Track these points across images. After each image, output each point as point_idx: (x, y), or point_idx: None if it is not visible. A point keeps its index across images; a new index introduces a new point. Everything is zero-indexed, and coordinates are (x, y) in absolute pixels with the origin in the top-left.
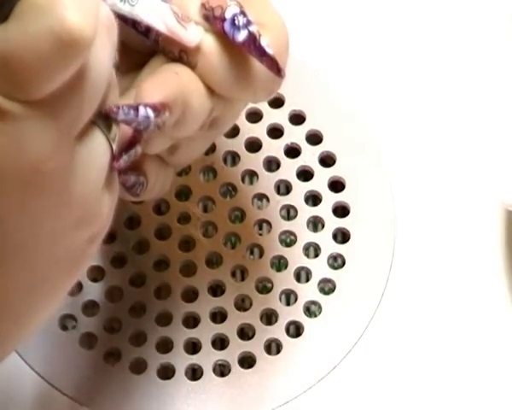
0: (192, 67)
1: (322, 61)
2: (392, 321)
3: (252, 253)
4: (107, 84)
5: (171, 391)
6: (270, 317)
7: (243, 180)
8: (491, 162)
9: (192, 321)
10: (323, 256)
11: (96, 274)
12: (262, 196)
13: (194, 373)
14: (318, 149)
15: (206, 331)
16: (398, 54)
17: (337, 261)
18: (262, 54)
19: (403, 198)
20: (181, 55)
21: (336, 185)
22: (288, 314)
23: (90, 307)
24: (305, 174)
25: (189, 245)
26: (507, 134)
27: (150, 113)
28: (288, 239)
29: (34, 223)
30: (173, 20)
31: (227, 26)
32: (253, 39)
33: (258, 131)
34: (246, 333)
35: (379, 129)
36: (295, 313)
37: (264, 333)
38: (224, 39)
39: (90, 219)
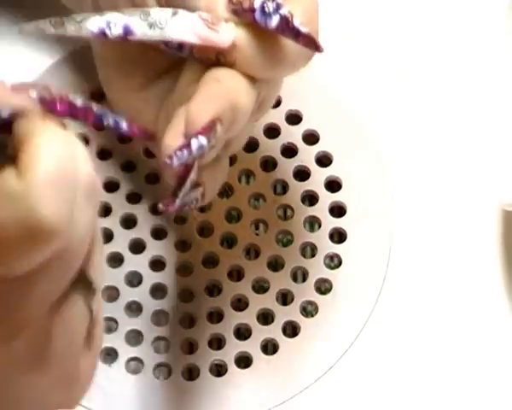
0: (231, 64)
1: (318, 60)
2: (388, 321)
3: (248, 253)
4: (88, 247)
5: (168, 391)
6: (266, 317)
7: (240, 180)
8: (491, 162)
9: (188, 321)
10: (320, 256)
11: None
12: (258, 196)
13: (191, 373)
14: (315, 149)
15: (202, 331)
16: (397, 53)
17: (334, 261)
18: (297, 34)
19: (400, 198)
20: (218, 57)
21: (333, 185)
22: (284, 314)
23: None
24: (302, 174)
25: (186, 245)
26: (507, 135)
27: (203, 140)
28: (285, 239)
29: (11, 394)
30: (204, 27)
31: (258, 15)
32: (285, 23)
33: (255, 130)
34: (242, 333)
35: (376, 128)
36: (292, 312)
37: (261, 333)
38: (255, 27)
39: (69, 382)
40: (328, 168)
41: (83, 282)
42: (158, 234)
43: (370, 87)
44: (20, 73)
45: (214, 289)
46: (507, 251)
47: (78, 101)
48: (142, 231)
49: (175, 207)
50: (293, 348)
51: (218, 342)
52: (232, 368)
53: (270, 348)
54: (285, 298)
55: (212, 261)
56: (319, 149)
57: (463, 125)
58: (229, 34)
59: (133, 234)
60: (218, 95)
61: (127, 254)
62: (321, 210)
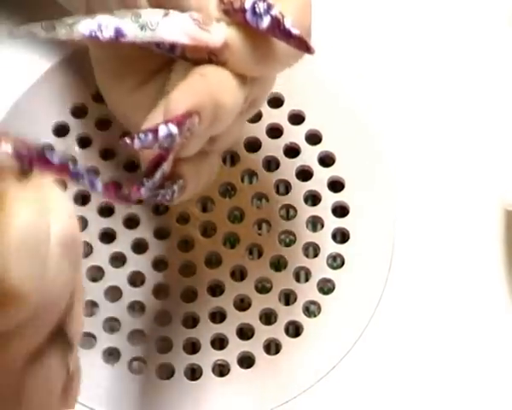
0: (223, 64)
1: (321, 60)
2: (391, 321)
3: (251, 253)
4: (65, 304)
5: (171, 391)
6: (269, 317)
7: (242, 180)
8: (493, 163)
9: (191, 321)
10: (323, 256)
11: (96, 274)
12: (261, 196)
13: (194, 373)
14: (318, 149)
15: (205, 331)
16: (399, 53)
17: (336, 261)
18: (288, 36)
19: (402, 198)
20: (210, 57)
21: (335, 185)
22: (287, 314)
23: (90, 307)
24: (305, 174)
25: (188, 245)
26: (508, 134)
27: (173, 129)
28: (288, 239)
29: None
30: (195, 28)
31: (249, 16)
32: (277, 24)
33: (258, 130)
34: (245, 333)
35: (378, 129)
36: (294, 312)
37: (264, 333)
38: (247, 26)
39: None
40: (330, 168)
41: (61, 337)
42: (160, 234)
43: (374, 87)
44: (21, 75)
45: (217, 289)
46: (509, 252)
47: (55, 157)
48: (145, 230)
49: (140, 194)
50: (296, 348)
51: (220, 342)
52: (235, 368)
53: (272, 348)
54: (288, 298)
55: (215, 261)
56: (322, 149)
57: (465, 126)
58: (220, 34)
59: (136, 234)
60: (199, 88)
61: (130, 254)
62: (323, 210)
